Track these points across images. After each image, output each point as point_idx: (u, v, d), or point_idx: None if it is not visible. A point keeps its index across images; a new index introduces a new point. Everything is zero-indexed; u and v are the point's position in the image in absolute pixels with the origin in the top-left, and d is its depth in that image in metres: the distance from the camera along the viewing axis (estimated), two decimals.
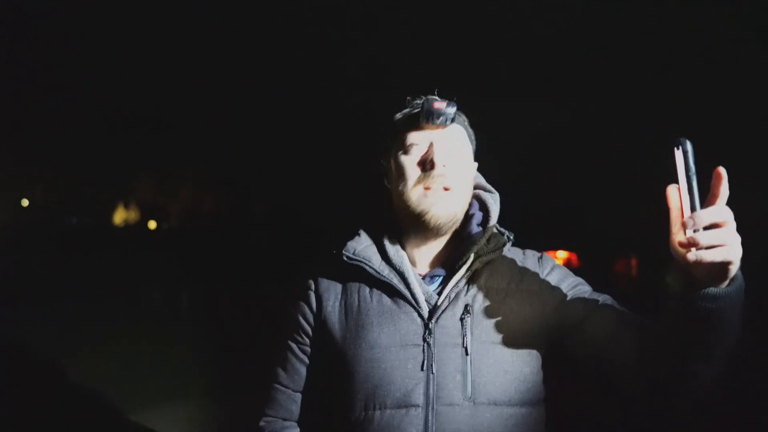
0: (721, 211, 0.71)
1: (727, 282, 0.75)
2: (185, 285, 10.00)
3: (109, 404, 4.22)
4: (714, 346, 0.81)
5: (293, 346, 1.11)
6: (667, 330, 0.84)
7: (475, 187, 1.14)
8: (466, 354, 0.96)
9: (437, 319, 0.99)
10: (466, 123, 1.10)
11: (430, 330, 0.98)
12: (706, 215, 0.70)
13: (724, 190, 0.71)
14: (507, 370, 0.98)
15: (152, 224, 40.15)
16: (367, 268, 1.03)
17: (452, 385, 0.95)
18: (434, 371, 0.95)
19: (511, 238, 1.09)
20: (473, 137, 1.12)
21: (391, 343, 0.98)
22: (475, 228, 1.07)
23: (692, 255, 0.71)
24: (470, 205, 1.09)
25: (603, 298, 1.03)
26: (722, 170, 0.70)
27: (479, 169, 1.16)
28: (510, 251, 1.10)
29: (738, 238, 0.71)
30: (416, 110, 1.04)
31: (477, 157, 1.13)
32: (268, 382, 1.13)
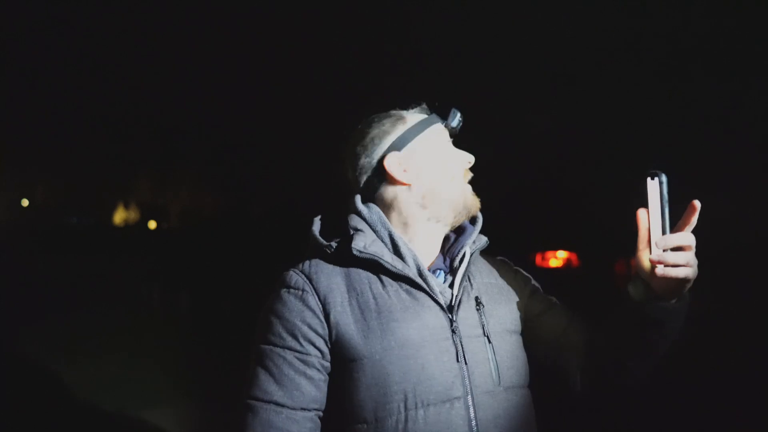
0: (688, 237, 0.85)
1: (677, 298, 0.91)
2: (185, 285, 9.98)
3: (109, 404, 4.21)
4: (654, 349, 0.97)
5: (289, 356, 0.98)
6: (617, 331, 0.99)
7: None
8: (489, 342, 1.02)
9: (457, 311, 1.02)
10: None
11: (455, 322, 1.00)
12: (675, 239, 0.85)
13: (694, 220, 0.85)
14: (518, 355, 1.07)
15: (152, 224, 40.12)
16: (382, 262, 1.01)
17: (485, 373, 1.00)
18: (468, 361, 0.98)
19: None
20: None
21: (423, 339, 0.97)
22: (468, 225, 1.14)
23: (660, 270, 0.85)
24: None
25: (554, 299, 1.17)
26: (697, 203, 0.84)
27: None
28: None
29: (696, 262, 0.86)
30: (447, 118, 1.14)
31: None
32: (257, 403, 0.97)
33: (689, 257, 0.85)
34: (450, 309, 1.02)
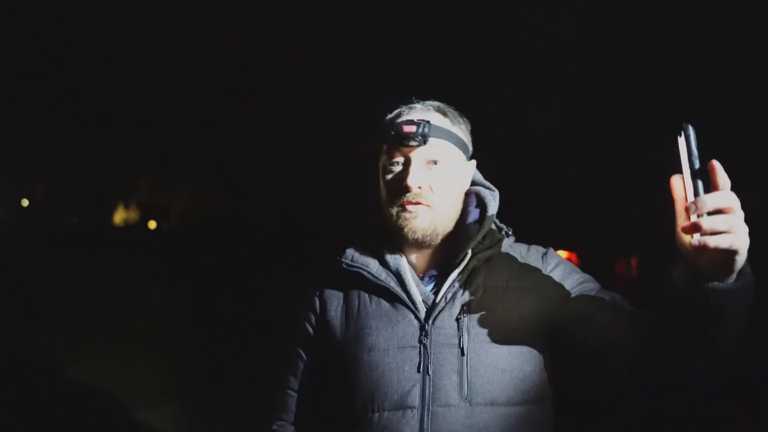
0: (725, 196, 0.68)
1: (734, 276, 0.73)
2: (185, 285, 9.99)
3: (109, 404, 4.21)
4: (719, 342, 0.79)
5: (301, 351, 1.14)
6: (672, 325, 0.82)
7: (475, 184, 1.15)
8: (462, 354, 0.97)
9: (434, 320, 1.00)
10: (455, 124, 1.08)
11: (426, 331, 0.99)
12: (709, 199, 0.68)
13: (722, 179, 0.69)
14: (506, 369, 0.97)
15: (152, 224, 40.10)
16: (365, 273, 1.05)
17: (449, 386, 0.95)
18: (430, 372, 0.96)
19: (510, 233, 1.10)
20: (465, 137, 1.10)
21: (389, 346, 0.99)
22: (471, 226, 1.07)
23: (695, 239, 0.69)
24: (468, 202, 1.11)
25: (610, 295, 1.01)
26: (715, 162, 0.69)
27: (480, 166, 1.17)
28: (513, 248, 1.11)
29: (745, 228, 0.69)
30: (392, 131, 1.03)
31: (475, 155, 1.14)
32: (280, 388, 1.15)
33: (731, 222, 0.68)
34: (427, 317, 1.00)
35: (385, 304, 1.04)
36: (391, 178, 1.05)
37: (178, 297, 9.61)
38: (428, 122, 1.02)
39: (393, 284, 1.04)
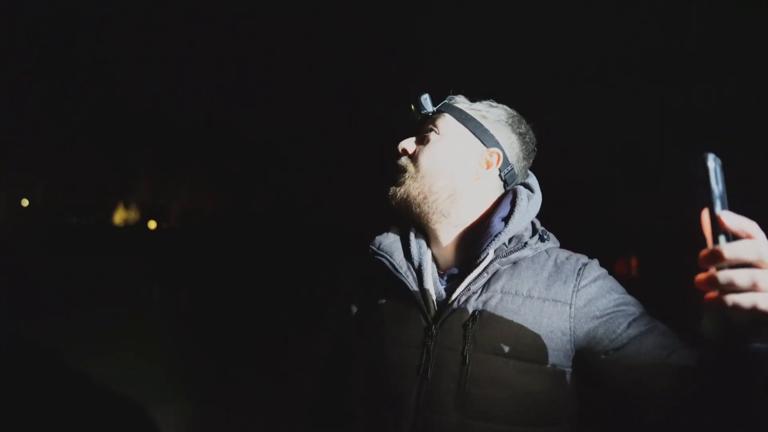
0: (749, 246, 0.55)
1: None
2: (185, 285, 9.97)
3: (108, 404, 4.21)
4: (760, 411, 0.64)
5: (328, 334, 1.18)
6: (707, 381, 0.70)
7: (525, 186, 1.09)
8: (464, 363, 0.90)
9: (442, 322, 0.94)
10: (473, 105, 1.09)
11: (432, 334, 0.94)
12: (729, 250, 0.55)
13: (742, 227, 0.56)
14: (508, 385, 0.89)
15: (152, 224, 40.09)
16: (387, 263, 1.01)
17: (444, 393, 0.90)
18: (429, 376, 0.92)
19: (546, 237, 1.01)
20: (486, 120, 1.05)
21: (396, 342, 0.97)
22: (497, 224, 0.99)
23: (710, 295, 0.56)
24: (503, 198, 1.04)
25: (652, 326, 0.88)
26: (723, 215, 0.56)
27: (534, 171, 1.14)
28: (550, 254, 1.01)
29: None
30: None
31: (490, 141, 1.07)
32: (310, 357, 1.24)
33: (756, 277, 0.54)
34: (436, 319, 0.95)
35: (399, 298, 1.00)
36: None
37: (178, 297, 9.59)
38: (427, 95, 1.07)
39: (410, 279, 0.99)
